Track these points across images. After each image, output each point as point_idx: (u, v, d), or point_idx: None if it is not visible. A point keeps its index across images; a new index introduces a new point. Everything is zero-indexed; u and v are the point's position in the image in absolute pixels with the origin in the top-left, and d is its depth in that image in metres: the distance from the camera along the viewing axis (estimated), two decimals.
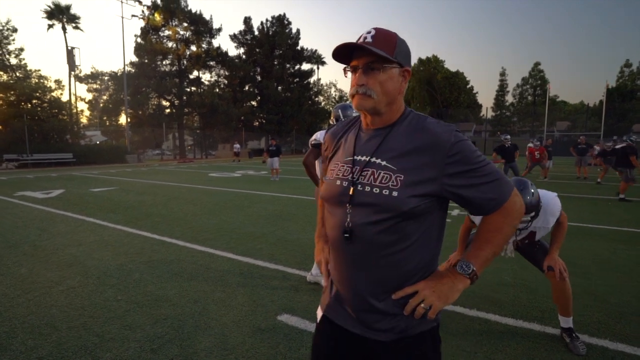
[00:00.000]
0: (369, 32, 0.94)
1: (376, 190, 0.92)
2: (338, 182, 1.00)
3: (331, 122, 3.17)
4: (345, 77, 1.00)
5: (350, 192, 0.95)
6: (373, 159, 0.96)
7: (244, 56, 38.81)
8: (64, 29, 26.17)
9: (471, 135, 57.81)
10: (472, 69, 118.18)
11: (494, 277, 3.53)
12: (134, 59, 32.64)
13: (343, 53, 0.96)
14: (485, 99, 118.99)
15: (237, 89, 36.90)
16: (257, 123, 39.33)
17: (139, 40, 32.57)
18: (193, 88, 34.76)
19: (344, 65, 0.99)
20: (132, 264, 3.87)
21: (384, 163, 0.94)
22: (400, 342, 0.96)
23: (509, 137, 10.19)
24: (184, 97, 33.06)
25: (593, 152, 15.19)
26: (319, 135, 3.12)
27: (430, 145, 0.91)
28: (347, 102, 3.06)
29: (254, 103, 39.48)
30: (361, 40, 0.93)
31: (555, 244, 2.38)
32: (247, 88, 38.65)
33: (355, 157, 0.99)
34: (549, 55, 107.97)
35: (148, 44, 31.52)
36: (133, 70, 32.01)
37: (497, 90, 59.07)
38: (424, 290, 0.94)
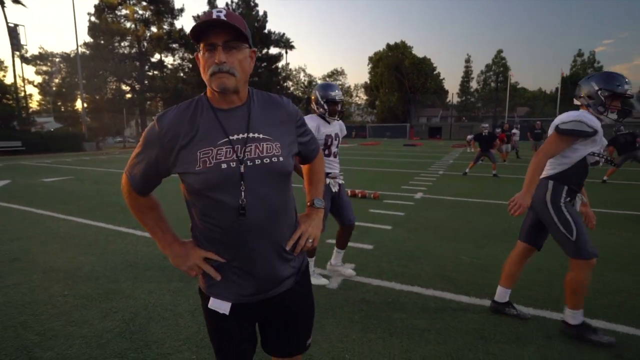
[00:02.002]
0: (219, 11, 0.93)
1: (266, 160, 1.00)
2: (224, 166, 0.97)
3: (313, 108, 2.87)
4: (197, 57, 0.99)
5: (242, 170, 0.97)
6: (251, 135, 1.01)
7: None
8: (1, 3, 23.79)
9: (438, 120, 59.35)
10: (439, 55, 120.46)
11: (451, 257, 3.64)
12: (88, 39, 30.47)
13: (198, 31, 0.93)
14: (452, 85, 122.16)
15: None
16: None
17: (92, 19, 30.35)
18: (155, 72, 33.05)
19: (201, 44, 0.96)
20: (84, 257, 3.66)
21: (262, 136, 1.02)
22: (299, 280, 1.14)
23: (487, 125, 10.51)
24: (146, 82, 31.42)
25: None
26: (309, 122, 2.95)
27: (287, 115, 1.10)
28: (323, 82, 2.91)
29: None
30: (214, 17, 0.92)
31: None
32: None
33: (230, 137, 0.99)
34: (511, 43, 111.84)
35: (103, 23, 29.47)
36: (88, 52, 29.86)
37: (462, 76, 60.78)
38: (306, 230, 1.14)
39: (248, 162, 0.98)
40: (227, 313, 1.06)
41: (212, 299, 1.07)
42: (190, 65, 35.55)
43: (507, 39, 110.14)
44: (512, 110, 51.00)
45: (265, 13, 39.02)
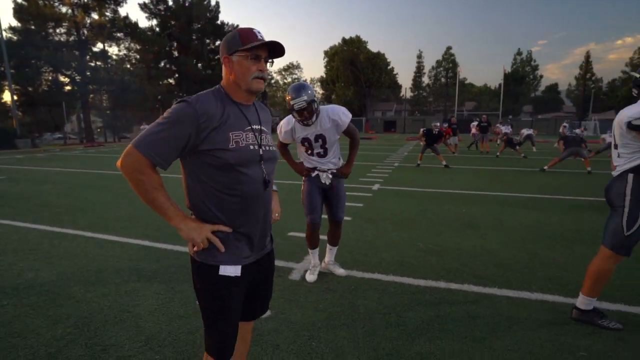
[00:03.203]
0: (259, 32, 1.23)
1: (272, 148, 1.34)
2: (251, 147, 1.24)
3: (294, 106, 2.57)
4: (229, 59, 1.23)
5: (261, 153, 1.27)
6: (262, 127, 1.32)
7: (157, 29, 35.31)
8: None
9: (392, 114, 61.16)
10: (392, 51, 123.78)
11: (409, 245, 3.83)
12: (15, 23, 27.39)
13: (255, 44, 1.19)
14: (405, 79, 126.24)
15: (151, 65, 33.60)
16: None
17: (19, 0, 27.19)
18: (98, 63, 30.61)
19: (257, 51, 1.22)
20: (24, 262, 3.37)
21: (266, 129, 1.35)
22: (271, 244, 1.45)
23: (438, 124, 11.24)
24: (88, 73, 29.02)
25: (494, 129, 17.27)
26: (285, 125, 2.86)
27: (270, 118, 1.44)
28: (296, 83, 2.74)
29: (171, 81, 36.45)
30: (262, 37, 1.22)
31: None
32: (163, 64, 35.44)
33: (253, 127, 1.28)
34: (459, 41, 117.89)
35: (33, 6, 26.55)
36: (15, 38, 26.86)
37: (414, 71, 63.00)
38: (276, 206, 1.56)
39: (263, 146, 1.28)
40: (239, 274, 1.24)
41: (221, 267, 1.22)
42: (138, 57, 33.46)
43: (456, 36, 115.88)
44: (461, 104, 53.90)
45: (217, 3, 37.78)
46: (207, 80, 35.85)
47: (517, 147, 13.41)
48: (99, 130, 33.98)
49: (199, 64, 37.83)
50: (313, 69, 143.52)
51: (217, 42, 38.94)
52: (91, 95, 30.61)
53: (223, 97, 1.24)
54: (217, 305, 1.25)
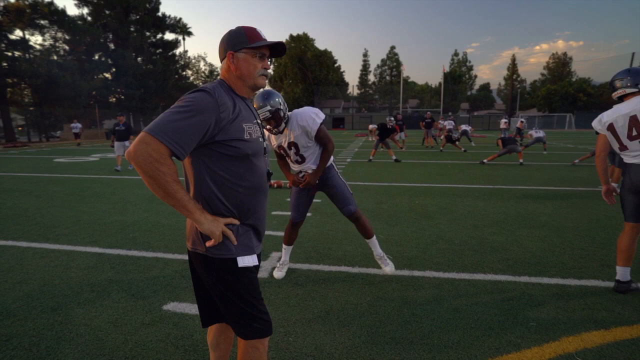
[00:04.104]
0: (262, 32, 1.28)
1: (266, 142, 1.38)
2: (260, 140, 1.30)
3: (275, 113, 2.45)
4: (233, 56, 1.24)
5: (265, 145, 1.34)
6: (259, 121, 1.36)
7: (89, 18, 32.36)
8: None
9: (340, 111, 62.29)
10: (339, 49, 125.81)
11: None
12: None
13: (261, 42, 1.25)
14: (351, 77, 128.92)
15: (83, 58, 30.71)
16: (114, 99, 33.87)
17: None
18: (17, 53, 27.30)
19: (263, 50, 1.26)
20: None
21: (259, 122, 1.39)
22: None
23: (392, 119, 11.75)
24: (5, 64, 25.75)
25: (437, 125, 18.35)
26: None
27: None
28: (262, 90, 2.57)
29: (107, 75, 33.63)
30: (272, 40, 1.28)
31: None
32: (97, 57, 32.57)
33: (257, 120, 1.34)
34: (403, 40, 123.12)
35: None
36: None
37: (361, 69, 64.68)
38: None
39: (265, 141, 1.35)
40: (257, 263, 1.30)
41: (239, 259, 1.23)
42: (67, 48, 30.42)
43: (399, 36, 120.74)
44: (405, 102, 56.39)
45: None
46: (148, 75, 33.68)
47: (457, 142, 14.41)
48: (20, 128, 30.42)
49: (139, 58, 35.40)
50: None
51: (159, 35, 36.79)
52: (10, 90, 27.27)
53: (229, 91, 1.26)
54: (248, 292, 1.25)
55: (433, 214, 4.86)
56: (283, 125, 2.56)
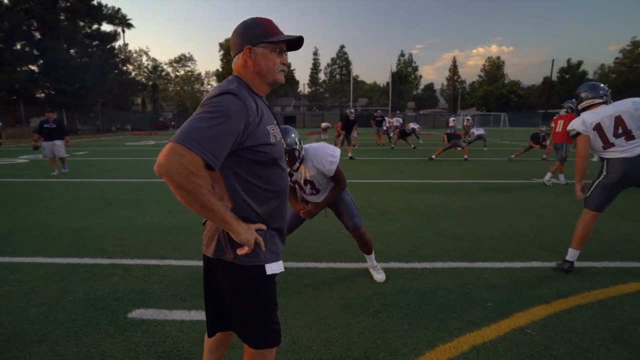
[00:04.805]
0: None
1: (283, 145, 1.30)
2: (282, 142, 1.25)
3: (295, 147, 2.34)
4: (252, 50, 1.16)
5: (285, 147, 1.35)
6: (277, 121, 1.29)
7: (6, 1, 28.91)
8: None
9: (291, 109, 62.24)
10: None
11: (335, 233, 4.05)
12: None
13: (280, 37, 1.18)
14: (302, 76, 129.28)
15: (1, 47, 27.40)
16: (42, 94, 30.71)
17: None
18: None
19: (281, 44, 1.20)
20: None
21: None
22: None
23: (353, 111, 12.00)
24: None
25: (388, 123, 19.07)
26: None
27: None
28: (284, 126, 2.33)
29: (33, 67, 30.37)
30: (295, 35, 1.20)
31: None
32: (19, 47, 29.24)
33: (276, 121, 1.26)
34: (352, 40, 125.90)
35: None
36: None
37: (311, 68, 65.08)
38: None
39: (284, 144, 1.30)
40: (283, 268, 1.25)
41: (267, 266, 1.19)
42: None
43: (348, 35, 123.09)
44: (355, 100, 57.72)
45: None
46: (84, 69, 30.92)
47: (407, 138, 15.16)
48: None
49: (72, 50, 32.42)
50: (208, 61, 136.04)
51: (95, 26, 33.99)
52: None
53: (248, 90, 1.16)
54: (269, 300, 1.24)
55: (392, 209, 5.08)
56: (298, 164, 2.46)
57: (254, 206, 1.18)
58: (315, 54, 64.93)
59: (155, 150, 14.97)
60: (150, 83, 48.43)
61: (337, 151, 2.55)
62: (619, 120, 2.76)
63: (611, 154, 2.81)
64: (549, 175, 6.98)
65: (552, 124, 7.38)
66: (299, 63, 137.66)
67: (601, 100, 2.89)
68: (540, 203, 5.40)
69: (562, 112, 7.13)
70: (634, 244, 3.58)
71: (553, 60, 45.38)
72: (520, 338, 2.09)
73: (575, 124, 2.91)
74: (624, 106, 2.77)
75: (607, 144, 2.80)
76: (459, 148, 10.93)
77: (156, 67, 52.40)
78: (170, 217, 4.62)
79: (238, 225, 1.10)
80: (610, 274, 2.93)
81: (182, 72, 58.69)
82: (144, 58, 53.53)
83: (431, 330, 2.17)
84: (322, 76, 65.78)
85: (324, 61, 77.60)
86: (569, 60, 53.26)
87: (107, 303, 2.50)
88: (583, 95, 2.95)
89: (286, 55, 1.23)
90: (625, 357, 1.93)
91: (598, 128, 2.80)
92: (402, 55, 66.23)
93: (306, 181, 2.59)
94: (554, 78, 50.59)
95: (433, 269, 3.06)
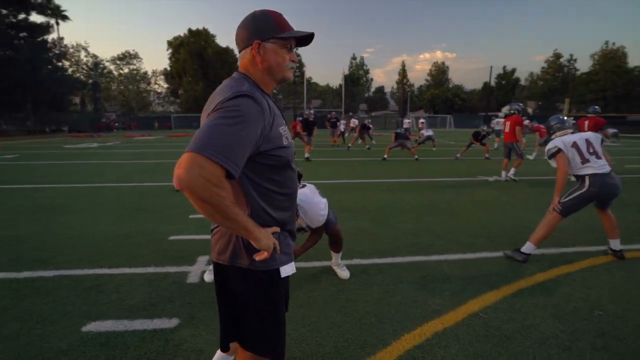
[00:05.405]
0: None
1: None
2: (293, 143, 1.22)
3: None
4: (260, 45, 1.11)
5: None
6: (284, 120, 1.21)
7: None
8: None
9: None
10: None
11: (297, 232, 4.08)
12: None
13: (293, 34, 1.14)
14: None
15: None
16: None
17: None
18: None
19: (292, 41, 1.16)
20: None
21: None
22: None
23: (312, 112, 12.22)
24: None
25: (345, 125, 19.51)
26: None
27: None
28: None
29: None
30: (307, 32, 1.16)
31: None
32: None
33: (284, 120, 1.19)
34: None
35: None
36: None
37: None
38: None
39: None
40: (295, 270, 1.24)
41: (281, 268, 1.18)
42: None
43: None
44: (309, 102, 58.03)
45: None
46: (10, 64, 27.90)
47: (365, 136, 15.70)
48: None
49: None
50: (155, 60, 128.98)
51: (23, 16, 30.80)
52: None
53: (260, 91, 1.11)
54: (279, 305, 1.21)
55: (350, 208, 5.21)
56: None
57: (269, 211, 1.15)
58: None
59: (99, 153, 13.96)
60: (91, 81, 44.97)
61: (325, 207, 2.71)
62: (588, 143, 3.21)
63: (587, 169, 3.17)
64: (512, 170, 7.59)
65: (493, 126, 8.02)
66: None
67: (570, 130, 3.41)
68: (485, 198, 5.84)
69: (502, 114, 7.81)
70: (565, 234, 4.01)
71: (491, 67, 49.07)
72: (475, 322, 2.27)
73: (556, 142, 3.28)
74: (588, 134, 3.28)
75: (584, 160, 3.18)
76: (405, 149, 11.44)
77: (97, 64, 48.84)
78: (120, 224, 4.35)
79: (259, 232, 1.07)
80: (547, 260, 3.27)
81: (126, 70, 55.31)
82: (83, 54, 49.55)
83: (397, 321, 2.28)
84: None
85: None
86: (504, 68, 58.11)
87: (56, 318, 2.31)
88: (557, 126, 3.44)
89: (296, 50, 1.20)
90: (560, 329, 2.19)
91: (575, 146, 3.20)
92: (354, 58, 67.81)
93: (299, 229, 2.67)
94: (493, 83, 54.82)
95: (393, 263, 3.20)
